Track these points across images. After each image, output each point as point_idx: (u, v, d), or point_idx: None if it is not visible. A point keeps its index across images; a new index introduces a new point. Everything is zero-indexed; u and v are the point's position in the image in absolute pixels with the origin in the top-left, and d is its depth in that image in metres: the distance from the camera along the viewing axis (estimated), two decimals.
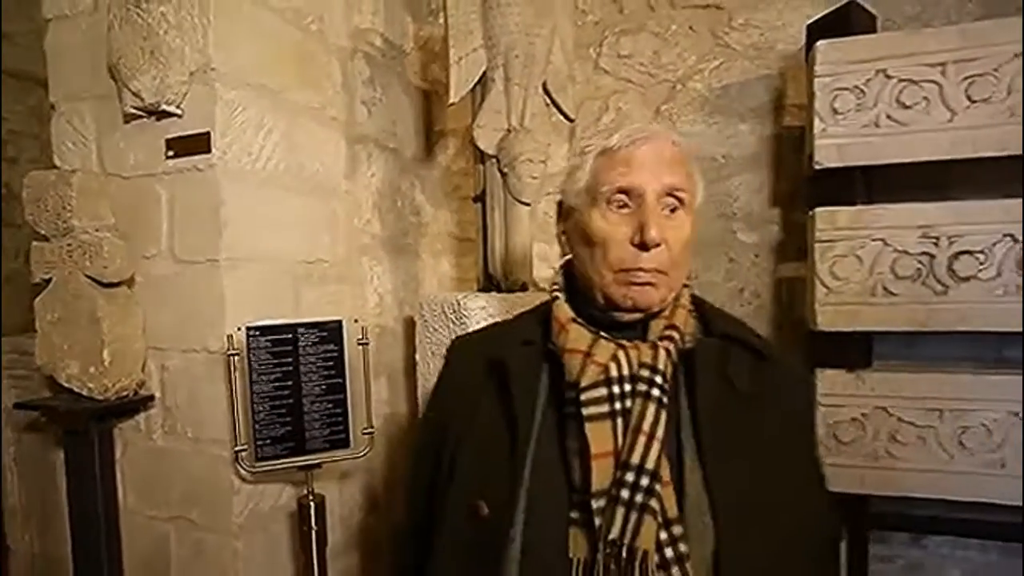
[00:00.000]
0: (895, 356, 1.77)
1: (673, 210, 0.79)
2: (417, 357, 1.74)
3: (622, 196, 0.78)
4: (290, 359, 1.39)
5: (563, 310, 0.83)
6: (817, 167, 1.52)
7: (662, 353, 0.78)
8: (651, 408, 0.75)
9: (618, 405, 0.75)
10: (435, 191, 2.26)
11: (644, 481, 0.73)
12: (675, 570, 0.73)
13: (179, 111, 1.49)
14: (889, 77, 1.44)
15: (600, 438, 0.75)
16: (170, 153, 1.53)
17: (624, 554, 0.73)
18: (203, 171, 1.50)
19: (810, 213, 1.58)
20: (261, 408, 1.36)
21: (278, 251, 1.64)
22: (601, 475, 0.74)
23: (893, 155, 1.47)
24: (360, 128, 1.93)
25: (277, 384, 1.38)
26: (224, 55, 1.49)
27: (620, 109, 2.05)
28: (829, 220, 1.53)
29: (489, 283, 1.66)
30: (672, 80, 2.01)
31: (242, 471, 1.43)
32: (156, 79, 1.45)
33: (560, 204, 0.88)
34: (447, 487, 0.84)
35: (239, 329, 1.37)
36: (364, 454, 1.52)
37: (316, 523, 1.45)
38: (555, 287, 0.87)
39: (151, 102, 1.47)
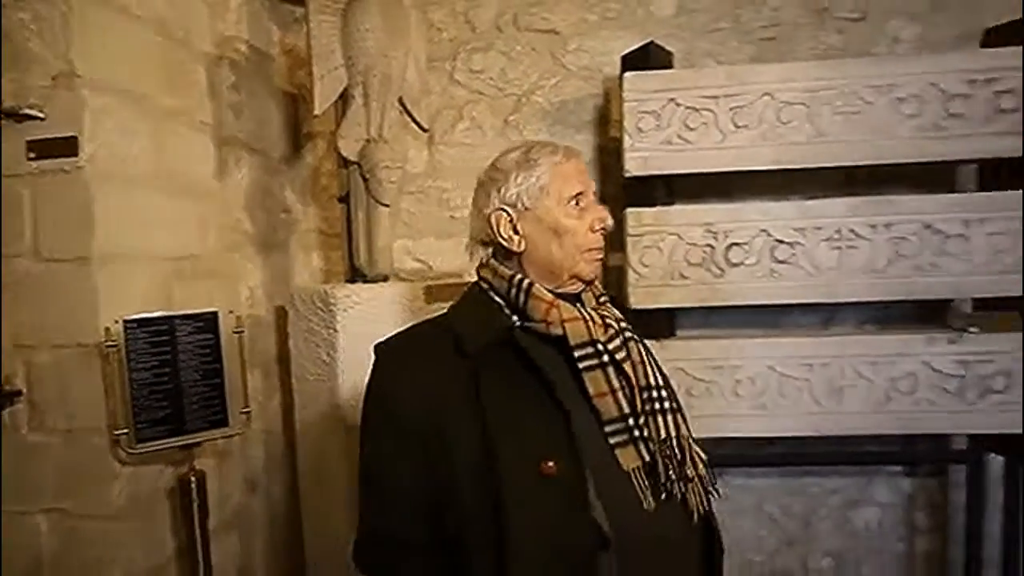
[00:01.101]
0: (699, 326, 2.19)
1: None
2: (291, 344, 1.90)
3: (578, 197, 1.02)
4: (168, 348, 1.51)
5: (544, 292, 1.01)
6: (627, 175, 1.87)
7: (617, 311, 1.07)
8: (639, 346, 1.03)
9: (626, 350, 1.00)
10: (304, 190, 2.39)
11: (664, 393, 1.01)
12: (697, 448, 1.03)
13: (41, 115, 1.54)
14: (678, 105, 1.82)
15: (630, 373, 0.99)
16: (32, 155, 1.57)
17: (675, 444, 0.99)
18: (70, 172, 1.56)
19: (624, 213, 1.93)
20: (140, 395, 1.48)
21: (150, 248, 1.72)
22: (637, 399, 0.98)
23: (683, 167, 1.85)
24: (228, 131, 2.03)
25: (155, 372, 1.50)
26: (88, 62, 1.56)
27: (473, 118, 2.31)
28: (637, 219, 1.88)
29: (355, 275, 1.86)
30: (518, 94, 2.30)
31: (122, 454, 1.53)
32: (16, 83, 1.49)
33: (505, 212, 1.02)
34: (483, 470, 0.93)
35: (116, 322, 1.47)
36: (241, 432, 1.67)
37: (197, 496, 1.58)
38: (520, 276, 1.02)
39: (10, 106, 1.51)
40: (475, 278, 1.09)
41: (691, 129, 1.82)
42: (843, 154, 1.80)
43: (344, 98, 1.77)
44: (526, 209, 1.02)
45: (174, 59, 1.82)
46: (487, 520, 0.93)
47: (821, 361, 1.88)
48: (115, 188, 1.63)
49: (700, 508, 1.01)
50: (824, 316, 2.24)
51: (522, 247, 1.03)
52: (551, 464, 0.92)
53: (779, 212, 1.84)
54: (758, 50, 2.19)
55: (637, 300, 1.90)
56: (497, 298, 1.03)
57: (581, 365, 0.97)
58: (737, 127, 1.80)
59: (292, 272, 2.40)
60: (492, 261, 1.06)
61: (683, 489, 0.99)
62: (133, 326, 1.48)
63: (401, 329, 1.11)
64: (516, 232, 1.03)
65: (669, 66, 1.95)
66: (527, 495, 0.92)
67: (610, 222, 1.04)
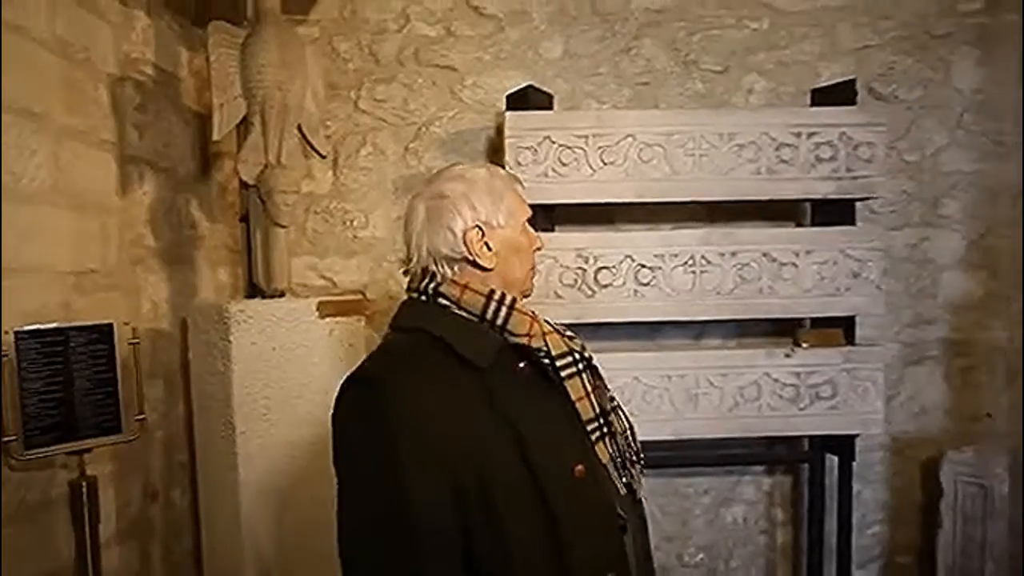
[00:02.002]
0: (587, 340, 2.41)
1: None
2: (191, 355, 2.00)
3: (527, 221, 1.11)
4: (61, 358, 1.59)
5: (525, 307, 1.04)
6: None
7: None
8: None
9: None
10: (212, 207, 2.48)
11: (614, 394, 1.13)
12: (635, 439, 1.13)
13: None
14: (553, 142, 2.04)
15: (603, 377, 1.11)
16: None
17: (629, 435, 1.10)
18: None
19: None
20: (30, 402, 1.54)
21: (49, 262, 1.78)
22: (604, 399, 1.09)
23: (558, 198, 2.07)
24: (131, 150, 2.10)
25: (47, 380, 1.56)
26: None
27: (376, 144, 2.47)
28: None
29: (254, 291, 1.98)
30: (418, 123, 2.48)
31: (11, 461, 1.59)
32: None
33: (479, 229, 1.04)
34: (520, 483, 0.95)
35: (7, 333, 1.54)
36: (135, 437, 1.75)
37: (88, 502, 1.65)
38: (501, 292, 1.04)
39: None
40: (410, 294, 1.09)
41: (564, 164, 2.04)
42: (694, 190, 2.07)
43: (244, 124, 1.89)
44: (499, 227, 1.05)
45: (74, 79, 1.89)
46: (534, 535, 0.95)
47: (679, 373, 2.12)
48: (11, 203, 1.69)
49: (640, 489, 1.12)
50: (695, 332, 2.51)
51: (493, 264, 1.05)
52: (580, 467, 0.99)
53: (641, 240, 2.08)
54: (634, 93, 2.46)
55: None
56: (464, 313, 1.03)
57: (563, 373, 1.03)
58: (604, 164, 2.04)
59: (199, 286, 2.47)
60: (457, 277, 1.05)
61: (635, 473, 1.11)
62: (25, 337, 1.55)
63: (376, 352, 1.06)
64: (488, 249, 1.05)
65: (548, 106, 2.17)
66: (570, 501, 0.97)
67: (543, 243, 1.16)
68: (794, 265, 2.09)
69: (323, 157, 2.09)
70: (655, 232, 2.10)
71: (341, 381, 1.01)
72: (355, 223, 2.51)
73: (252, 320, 1.79)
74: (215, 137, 1.84)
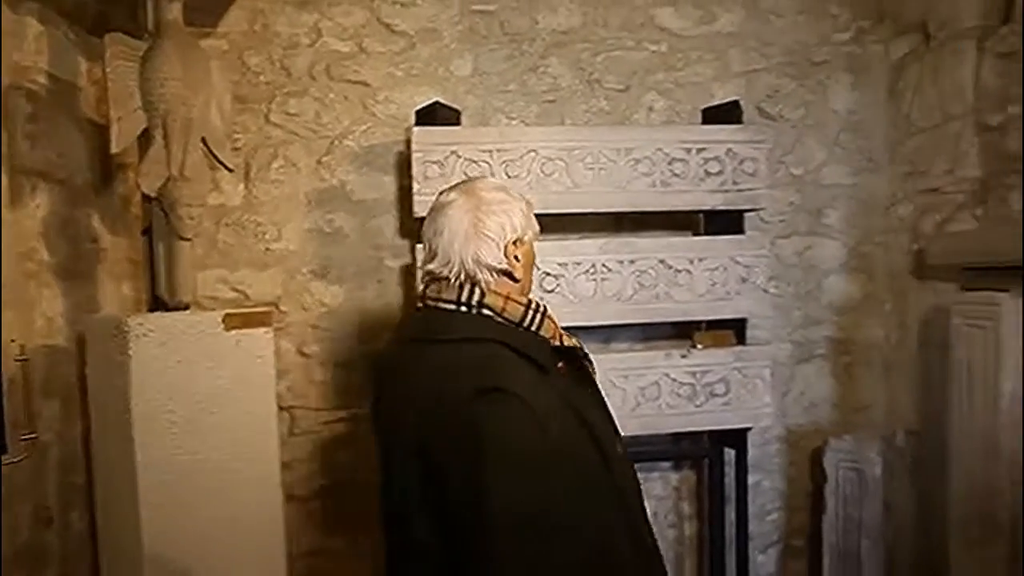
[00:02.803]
0: None
1: None
2: (87, 371, 1.94)
3: None
4: None
5: (551, 314, 1.17)
6: (416, 216, 2.13)
7: None
8: None
9: None
10: (114, 220, 2.41)
11: None
12: None
13: None
14: (459, 156, 2.11)
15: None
16: None
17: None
18: None
19: (416, 247, 2.18)
20: None
21: None
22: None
23: None
24: (23, 161, 2.03)
25: None
26: None
27: (287, 157, 2.48)
28: None
29: (157, 304, 1.94)
30: (331, 137, 2.50)
31: None
32: None
33: (514, 242, 1.12)
34: (599, 468, 1.08)
35: None
36: (22, 458, 1.69)
37: None
38: (536, 301, 1.15)
39: None
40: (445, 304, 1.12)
41: None
42: (594, 202, 2.19)
43: (146, 135, 1.87)
44: (527, 241, 1.16)
45: None
46: (611, 512, 1.08)
47: None
48: None
49: None
50: (603, 336, 2.63)
51: (521, 275, 1.15)
52: (620, 447, 1.16)
53: (545, 249, 2.17)
54: (542, 110, 2.57)
55: None
56: (504, 320, 1.10)
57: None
58: (509, 177, 2.13)
59: (101, 301, 2.39)
60: (498, 288, 1.11)
61: None
62: None
63: (488, 366, 1.05)
64: (517, 261, 1.13)
65: (456, 122, 2.25)
66: (625, 477, 1.14)
67: None
68: (688, 272, 2.24)
69: (230, 171, 2.08)
70: (557, 242, 2.20)
71: (471, 392, 1.00)
72: (268, 235, 2.50)
73: (153, 333, 1.76)
74: (113, 150, 1.80)
